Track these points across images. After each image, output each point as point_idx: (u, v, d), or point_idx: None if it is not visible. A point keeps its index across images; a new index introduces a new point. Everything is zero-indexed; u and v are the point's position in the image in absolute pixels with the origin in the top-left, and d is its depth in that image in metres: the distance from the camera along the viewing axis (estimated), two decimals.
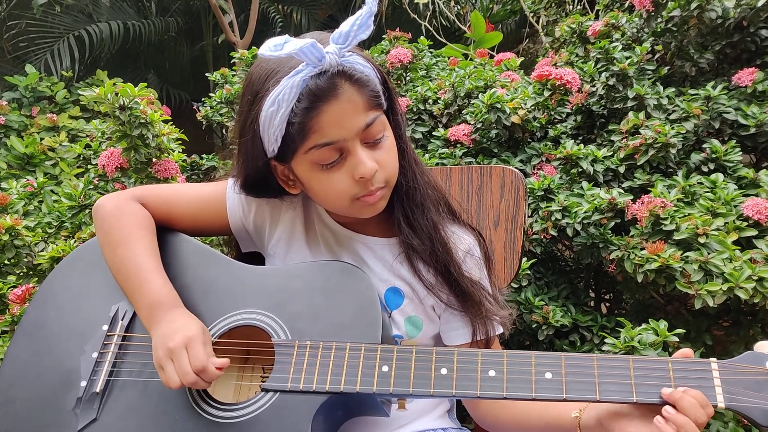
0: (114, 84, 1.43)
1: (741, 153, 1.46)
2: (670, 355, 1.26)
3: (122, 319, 0.95)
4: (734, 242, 1.28)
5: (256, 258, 1.07)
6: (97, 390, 0.89)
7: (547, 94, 1.66)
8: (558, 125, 1.71)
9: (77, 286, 0.99)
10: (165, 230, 1.01)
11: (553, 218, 1.44)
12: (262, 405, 0.84)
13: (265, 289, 0.93)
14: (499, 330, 0.97)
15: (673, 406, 0.72)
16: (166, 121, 1.64)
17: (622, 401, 0.75)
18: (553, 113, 1.70)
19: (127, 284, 0.92)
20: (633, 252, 1.34)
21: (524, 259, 1.42)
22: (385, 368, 0.82)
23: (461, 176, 1.22)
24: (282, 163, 0.90)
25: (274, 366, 0.86)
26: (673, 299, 1.60)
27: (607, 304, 1.84)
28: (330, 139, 0.83)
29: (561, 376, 0.77)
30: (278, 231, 1.01)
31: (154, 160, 1.61)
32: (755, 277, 1.20)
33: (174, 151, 1.69)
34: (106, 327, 0.94)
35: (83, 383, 0.90)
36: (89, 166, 1.81)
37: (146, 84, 1.54)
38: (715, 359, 0.75)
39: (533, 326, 1.46)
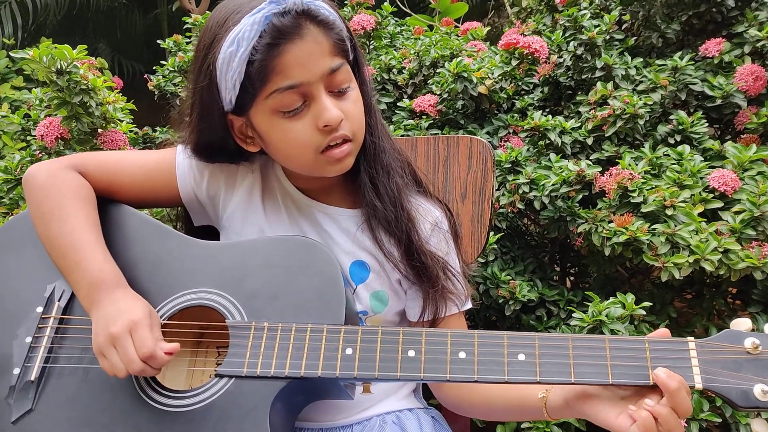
0: (50, 46, 1.31)
1: (707, 125, 1.44)
2: (636, 328, 1.27)
3: (59, 300, 0.87)
4: (700, 214, 1.27)
5: (210, 234, 1.00)
6: (32, 378, 0.81)
7: (514, 63, 1.61)
8: (525, 97, 1.67)
9: (7, 264, 0.90)
10: (107, 202, 0.92)
11: (520, 191, 1.40)
12: (215, 392, 0.78)
13: (219, 266, 0.86)
14: (453, 310, 0.93)
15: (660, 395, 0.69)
16: (110, 88, 1.53)
17: (597, 383, 0.72)
18: (520, 83, 1.66)
19: (64, 261, 0.84)
20: (601, 225, 1.31)
21: (491, 234, 1.39)
22: (348, 351, 0.77)
23: (427, 147, 1.16)
24: (240, 116, 0.83)
25: (228, 350, 0.80)
26: (636, 272, 1.60)
27: (571, 278, 1.83)
28: (293, 82, 0.77)
29: (534, 358, 0.74)
30: (234, 200, 0.94)
31: (99, 130, 1.50)
32: (721, 249, 1.19)
33: (122, 122, 1.57)
34: (40, 309, 0.86)
35: (16, 371, 0.82)
36: (29, 138, 1.68)
37: (96, 54, 1.42)
38: (692, 338, 0.72)
39: (500, 301, 1.43)
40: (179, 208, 1.03)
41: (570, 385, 0.73)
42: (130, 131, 1.65)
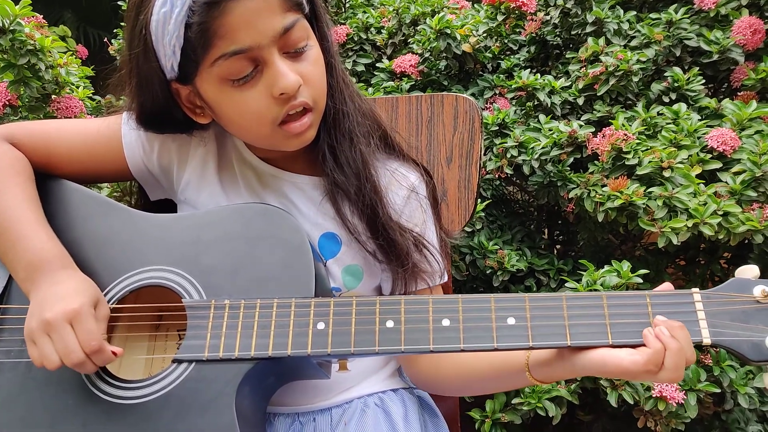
0: None
1: (703, 81, 1.37)
2: None
3: None
4: (697, 176, 1.20)
5: (170, 209, 0.90)
6: None
7: (500, 18, 1.51)
8: (511, 57, 1.58)
9: None
10: (45, 177, 0.82)
11: (508, 155, 1.32)
12: (174, 379, 0.69)
13: (172, 241, 0.76)
14: (422, 286, 0.84)
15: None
16: (71, 52, 1.41)
17: (595, 344, 0.65)
18: (506, 41, 1.56)
19: None
20: (593, 189, 1.24)
21: (478, 201, 1.31)
22: (320, 325, 0.68)
23: (409, 107, 1.07)
24: (185, 85, 0.73)
25: (186, 332, 0.71)
26: (627, 239, 1.54)
27: (558, 247, 1.77)
28: (240, 46, 0.66)
29: (526, 321, 0.66)
30: (188, 172, 0.84)
31: (53, 97, 1.38)
32: (720, 212, 1.13)
33: (78, 87, 1.45)
34: None
35: None
36: None
37: (62, 23, 1.29)
38: (697, 290, 0.65)
39: (487, 272, 1.36)
40: (132, 183, 0.93)
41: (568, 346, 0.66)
42: (89, 98, 1.53)
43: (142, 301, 0.77)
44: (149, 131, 0.82)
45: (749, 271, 0.65)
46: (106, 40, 1.85)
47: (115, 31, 1.91)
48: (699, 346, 0.68)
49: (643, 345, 0.63)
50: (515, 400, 1.20)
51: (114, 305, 0.74)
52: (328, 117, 0.78)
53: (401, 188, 0.84)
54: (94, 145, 0.84)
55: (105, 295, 0.74)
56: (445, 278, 0.88)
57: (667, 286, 0.67)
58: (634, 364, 0.62)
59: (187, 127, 0.81)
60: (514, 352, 0.73)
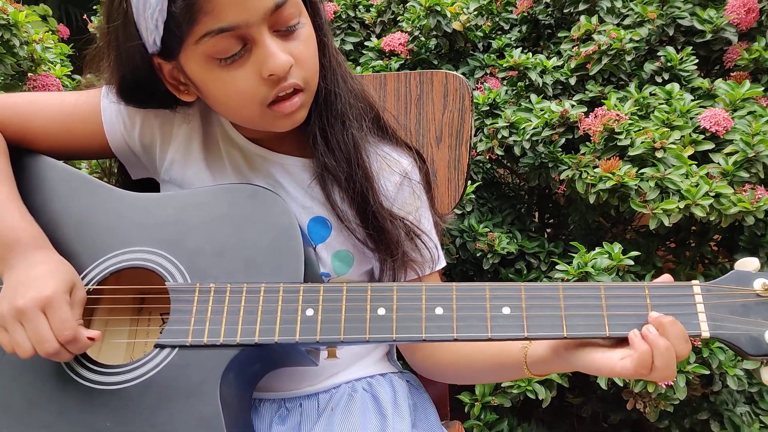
0: None
1: (696, 61, 1.35)
2: (622, 279, 1.20)
3: None
4: (689, 157, 1.19)
5: (152, 190, 0.87)
6: None
7: None
8: (502, 36, 1.55)
9: None
10: (21, 152, 0.78)
11: (499, 136, 1.30)
12: (156, 365, 0.67)
13: (155, 221, 0.73)
14: (411, 276, 0.82)
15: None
16: (51, 32, 1.35)
17: (592, 336, 0.64)
18: (498, 20, 1.53)
19: None
20: (585, 171, 1.22)
21: (468, 182, 1.28)
22: (309, 312, 0.66)
23: (398, 84, 1.04)
24: (168, 60, 0.69)
25: (170, 316, 0.69)
26: (618, 222, 1.53)
27: (548, 230, 1.76)
28: (227, 23, 0.63)
29: (521, 311, 0.65)
30: (171, 151, 0.81)
31: (29, 74, 1.33)
32: (712, 194, 1.12)
33: (56, 65, 1.40)
34: None
35: None
36: None
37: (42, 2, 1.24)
38: (697, 282, 0.64)
39: (477, 255, 1.34)
40: (113, 161, 0.89)
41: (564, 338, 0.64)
42: (68, 76, 1.48)
43: (124, 284, 0.75)
44: (130, 105, 0.78)
45: (750, 263, 0.64)
46: (85, 17, 1.79)
47: (95, 7, 1.84)
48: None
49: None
50: (505, 384, 1.20)
51: (93, 287, 0.71)
52: (319, 98, 0.75)
53: (393, 174, 0.81)
54: (72, 118, 0.80)
55: (84, 277, 0.71)
56: (441, 265, 0.86)
57: (666, 278, 0.65)
58: (624, 369, 0.61)
59: (171, 103, 0.78)
60: (512, 347, 0.72)
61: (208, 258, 0.70)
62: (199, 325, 0.67)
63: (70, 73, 1.46)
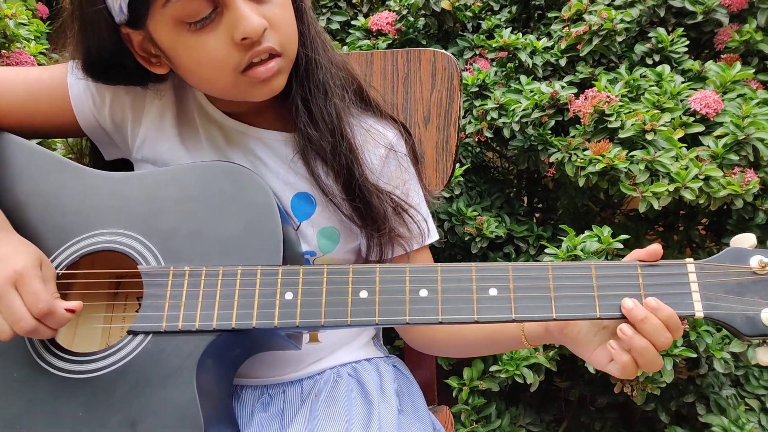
0: None
1: (687, 43, 1.33)
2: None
3: None
4: (679, 140, 1.17)
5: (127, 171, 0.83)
6: None
7: None
8: (492, 16, 1.52)
9: None
10: None
11: (488, 118, 1.27)
12: (129, 352, 0.64)
13: (126, 202, 0.70)
14: (399, 252, 0.80)
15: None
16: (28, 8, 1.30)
17: (582, 317, 0.62)
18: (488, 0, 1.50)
19: None
20: (575, 153, 1.20)
21: (457, 164, 1.26)
22: (288, 295, 0.64)
23: (384, 63, 1.00)
24: (136, 30, 0.66)
25: (143, 301, 0.66)
26: (606, 206, 1.52)
27: (536, 215, 1.75)
28: None
29: (508, 292, 0.62)
30: (143, 128, 0.77)
31: (2, 51, 1.28)
32: (702, 177, 1.10)
33: (30, 42, 1.35)
34: None
35: None
36: None
37: None
38: (691, 260, 0.62)
39: (466, 239, 1.32)
40: (85, 141, 0.86)
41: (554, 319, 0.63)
42: (44, 54, 1.42)
43: (98, 267, 0.72)
44: (98, 82, 0.74)
45: (746, 239, 0.62)
46: None
47: None
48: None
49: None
50: (493, 368, 1.18)
51: (63, 271, 0.68)
52: (299, 66, 0.72)
53: (378, 147, 0.78)
54: (39, 95, 0.76)
55: (52, 261, 0.68)
56: (432, 239, 0.83)
57: (655, 249, 0.63)
58: (613, 372, 0.62)
59: (141, 78, 0.74)
60: (508, 324, 0.70)
61: (182, 240, 0.67)
62: (174, 310, 0.64)
63: (45, 51, 1.41)
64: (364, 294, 0.63)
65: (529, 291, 0.62)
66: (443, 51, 0.99)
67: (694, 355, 1.11)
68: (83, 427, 0.62)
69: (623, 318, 0.60)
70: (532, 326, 0.70)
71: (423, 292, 0.63)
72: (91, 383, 0.63)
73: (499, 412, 1.27)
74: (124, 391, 0.63)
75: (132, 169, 0.82)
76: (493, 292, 0.63)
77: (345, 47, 1.46)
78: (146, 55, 0.69)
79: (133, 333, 0.64)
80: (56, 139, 1.29)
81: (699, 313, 0.60)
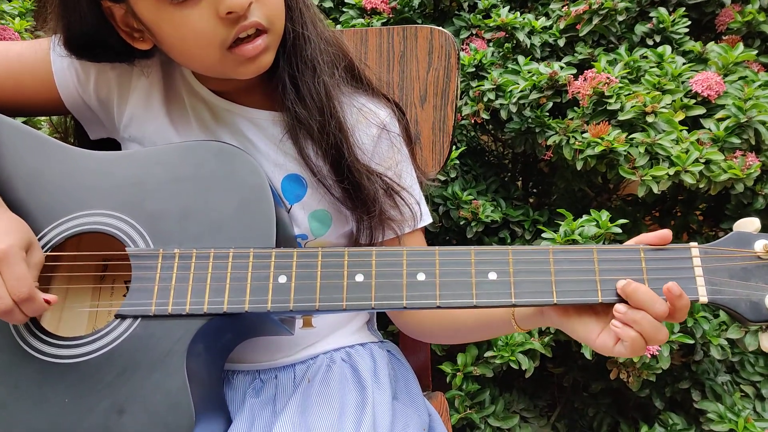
0: None
1: (688, 23, 1.30)
2: None
3: None
4: (680, 122, 1.15)
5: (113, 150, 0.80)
6: None
7: None
8: None
9: None
10: None
11: (485, 99, 1.25)
12: (117, 336, 0.62)
13: (114, 182, 0.68)
14: (390, 235, 0.78)
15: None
16: None
17: (584, 302, 0.60)
18: None
19: None
20: (573, 136, 1.18)
21: (454, 146, 1.24)
22: (282, 279, 0.62)
23: (380, 40, 0.97)
24: (117, 3, 0.63)
25: (131, 284, 0.63)
26: (602, 190, 1.50)
27: (531, 199, 1.73)
28: None
29: (508, 276, 0.61)
30: (130, 106, 0.74)
31: None
32: (702, 160, 1.09)
33: (15, 18, 1.30)
34: None
35: None
36: None
37: None
38: (695, 244, 0.60)
39: (461, 223, 1.30)
40: (70, 119, 0.83)
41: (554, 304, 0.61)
42: (30, 31, 1.37)
43: (84, 249, 0.69)
44: (81, 58, 0.71)
45: (750, 224, 0.60)
46: None
47: None
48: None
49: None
50: (487, 354, 1.17)
51: (49, 253, 0.65)
52: (287, 42, 0.69)
53: (370, 126, 0.76)
54: (20, 70, 0.73)
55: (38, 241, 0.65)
56: (424, 222, 0.81)
57: (664, 234, 0.60)
58: (622, 354, 0.59)
59: (126, 55, 0.71)
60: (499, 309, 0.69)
61: (171, 221, 0.65)
62: (163, 293, 0.62)
63: (32, 28, 1.36)
64: (359, 277, 0.61)
65: (530, 275, 0.61)
66: (440, 28, 0.96)
67: (691, 342, 1.10)
68: (69, 413, 0.60)
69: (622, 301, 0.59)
70: (523, 309, 0.67)
71: (421, 276, 0.61)
72: (77, 368, 0.61)
73: (492, 397, 1.26)
74: (112, 376, 0.61)
75: (118, 149, 0.80)
76: (492, 275, 0.61)
77: (338, 26, 1.43)
78: (129, 30, 0.66)
79: (121, 317, 0.62)
80: (41, 118, 1.25)
81: (703, 298, 0.58)
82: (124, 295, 0.76)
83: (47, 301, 0.59)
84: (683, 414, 1.23)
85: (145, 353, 0.61)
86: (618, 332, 0.58)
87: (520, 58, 1.27)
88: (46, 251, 0.65)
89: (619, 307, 0.58)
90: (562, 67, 1.21)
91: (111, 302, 0.77)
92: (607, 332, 0.60)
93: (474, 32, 1.41)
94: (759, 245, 0.59)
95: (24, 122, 0.80)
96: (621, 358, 1.09)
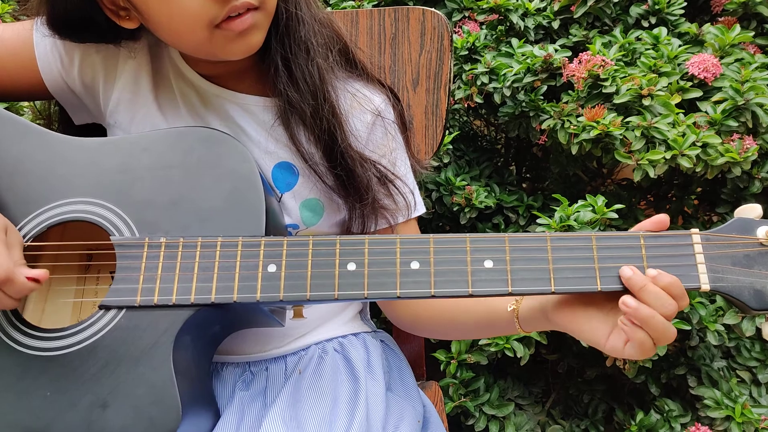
0: None
1: (684, 5, 1.28)
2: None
3: None
4: (676, 105, 1.13)
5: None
6: None
7: None
8: None
9: None
10: None
11: (478, 83, 1.22)
12: (101, 328, 0.60)
13: (99, 169, 0.65)
14: (382, 225, 0.76)
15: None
16: None
17: (583, 290, 0.58)
18: None
19: None
20: (568, 120, 1.16)
21: (447, 131, 1.21)
22: (272, 268, 0.60)
23: (371, 22, 0.95)
24: None
25: (116, 274, 0.61)
26: (597, 175, 1.49)
27: (525, 185, 1.71)
28: None
29: (505, 264, 0.59)
30: (117, 90, 0.72)
31: None
32: (699, 144, 1.07)
33: None
34: None
35: None
36: None
37: None
38: (697, 230, 0.59)
39: (454, 209, 1.28)
40: (53, 104, 0.80)
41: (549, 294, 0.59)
42: (13, 16, 1.33)
43: (68, 239, 0.67)
44: (65, 39, 0.68)
45: (751, 210, 0.59)
46: None
47: None
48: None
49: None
50: (482, 342, 1.16)
51: (32, 243, 0.63)
52: (279, 22, 0.66)
53: (365, 113, 0.74)
54: (1, 53, 0.70)
55: (18, 231, 0.63)
56: (418, 212, 0.79)
57: (661, 219, 0.59)
58: (632, 355, 0.57)
59: (113, 36, 0.69)
60: (498, 306, 0.67)
61: (158, 210, 0.62)
62: (149, 283, 0.60)
63: (14, 12, 1.32)
64: (352, 266, 0.59)
65: (527, 263, 0.59)
66: (432, 9, 0.93)
67: (688, 328, 1.09)
68: (51, 408, 0.58)
69: (625, 290, 0.57)
70: (525, 309, 0.66)
71: (414, 264, 0.59)
72: (59, 361, 0.59)
73: (487, 385, 1.25)
74: (95, 369, 0.59)
75: (104, 136, 0.77)
76: (488, 264, 0.59)
77: (328, 8, 1.39)
78: (114, 8, 0.64)
79: (105, 308, 0.60)
80: (24, 103, 1.22)
81: (705, 286, 0.57)
82: (110, 286, 0.75)
83: (35, 279, 0.56)
84: (679, 400, 1.22)
85: (129, 345, 0.59)
86: (626, 331, 0.56)
87: (514, 41, 1.25)
88: (27, 240, 0.63)
89: (628, 301, 0.55)
90: (556, 50, 1.19)
91: (96, 293, 0.74)
92: (617, 334, 0.57)
93: (466, 15, 1.38)
94: (762, 232, 0.57)
95: (6, 108, 0.78)
96: None
